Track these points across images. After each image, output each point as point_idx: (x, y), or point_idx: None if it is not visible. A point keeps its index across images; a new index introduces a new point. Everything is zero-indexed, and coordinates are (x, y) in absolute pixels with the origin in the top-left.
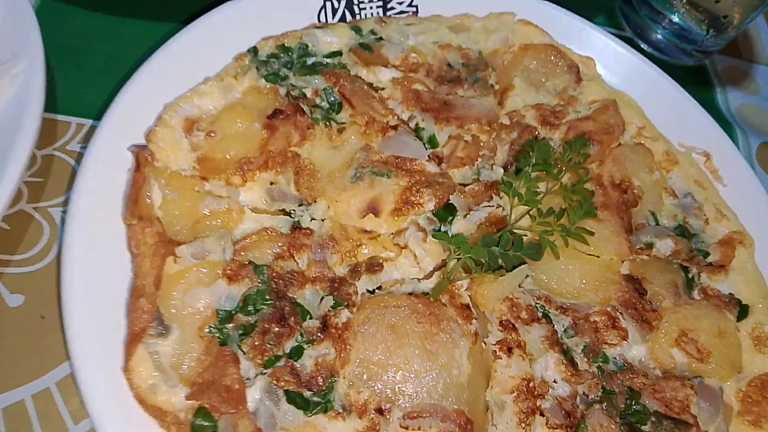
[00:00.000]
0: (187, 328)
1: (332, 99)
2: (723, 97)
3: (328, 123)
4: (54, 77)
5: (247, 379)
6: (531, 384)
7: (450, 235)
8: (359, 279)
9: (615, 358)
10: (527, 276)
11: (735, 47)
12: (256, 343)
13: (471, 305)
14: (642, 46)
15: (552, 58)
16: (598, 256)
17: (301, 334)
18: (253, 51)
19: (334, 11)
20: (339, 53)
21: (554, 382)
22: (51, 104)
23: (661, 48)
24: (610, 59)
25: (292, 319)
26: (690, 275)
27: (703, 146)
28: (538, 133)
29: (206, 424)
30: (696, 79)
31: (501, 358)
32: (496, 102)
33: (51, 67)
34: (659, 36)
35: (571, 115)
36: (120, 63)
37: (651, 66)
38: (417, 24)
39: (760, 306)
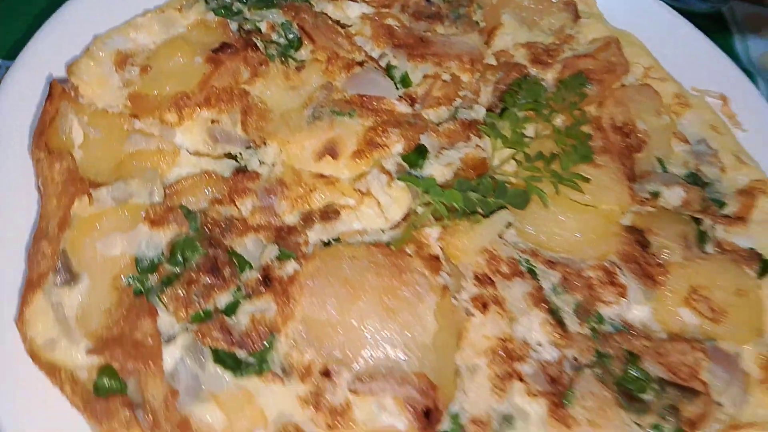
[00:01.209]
0: (100, 277)
1: (291, 35)
2: (743, 45)
3: (284, 60)
4: None
5: (170, 336)
6: (509, 345)
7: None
8: (312, 228)
9: (612, 318)
10: (510, 225)
11: None
12: (180, 294)
13: (442, 257)
14: None
15: None
16: (595, 207)
17: (238, 288)
18: None
19: None
20: None
21: (538, 344)
22: None
23: None
24: None
25: (227, 269)
26: (703, 228)
27: (720, 90)
28: (528, 72)
29: (112, 384)
30: (711, 26)
31: (474, 316)
32: (482, 41)
33: None
34: None
35: (567, 53)
36: None
37: (659, 4)
38: None
39: None
